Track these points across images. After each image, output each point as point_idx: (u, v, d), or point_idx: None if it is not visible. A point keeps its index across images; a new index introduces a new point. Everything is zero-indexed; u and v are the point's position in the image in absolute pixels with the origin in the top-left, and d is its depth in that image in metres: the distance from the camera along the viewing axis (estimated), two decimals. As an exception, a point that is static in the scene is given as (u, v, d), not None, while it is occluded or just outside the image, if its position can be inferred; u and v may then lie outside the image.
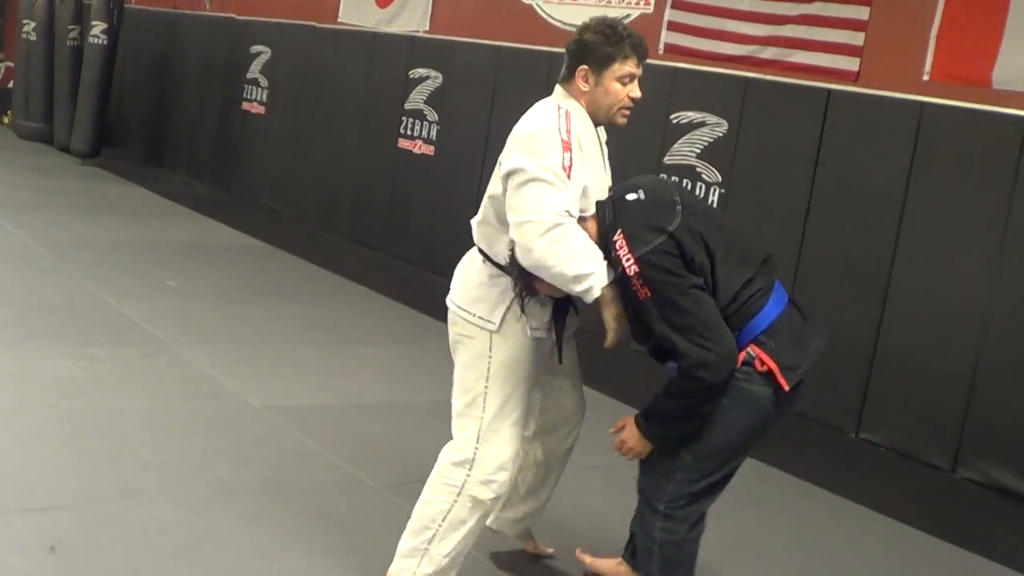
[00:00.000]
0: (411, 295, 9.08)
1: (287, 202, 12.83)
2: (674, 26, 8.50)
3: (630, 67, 3.72)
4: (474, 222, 3.88)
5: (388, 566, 3.91)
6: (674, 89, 8.11)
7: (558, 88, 3.80)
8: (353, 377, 6.72)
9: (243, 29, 13.91)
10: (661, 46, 8.41)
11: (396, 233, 11.08)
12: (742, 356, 3.45)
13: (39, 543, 4.00)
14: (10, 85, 16.51)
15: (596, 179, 3.73)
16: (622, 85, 3.72)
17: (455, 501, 3.78)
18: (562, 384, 4.12)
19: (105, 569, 3.91)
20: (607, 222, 3.51)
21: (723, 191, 7.79)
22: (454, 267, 3.90)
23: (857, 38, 7.38)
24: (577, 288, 3.47)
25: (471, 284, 3.83)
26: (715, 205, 7.71)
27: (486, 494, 3.76)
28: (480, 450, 3.76)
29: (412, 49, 11.08)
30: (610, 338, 3.53)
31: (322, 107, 12.34)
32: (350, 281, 9.52)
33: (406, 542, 3.87)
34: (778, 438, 6.76)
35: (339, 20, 12.39)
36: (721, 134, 7.86)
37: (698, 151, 7.98)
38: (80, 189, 12.51)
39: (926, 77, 6.98)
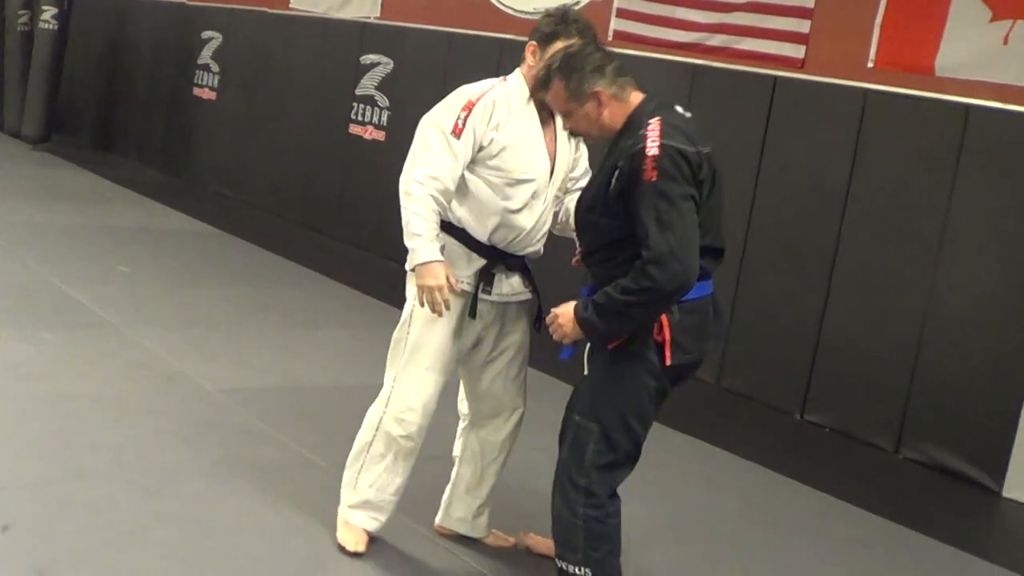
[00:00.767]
0: (361, 279, 9.13)
1: (238, 188, 12.81)
2: (623, 13, 8.57)
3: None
4: None
5: (336, 552, 4.18)
6: (623, 76, 8.12)
7: (516, 69, 4.11)
8: (304, 360, 6.76)
9: (194, 14, 13.85)
10: (611, 33, 8.47)
11: (346, 218, 11.10)
12: None
13: (-8, 523, 4.02)
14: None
15: (531, 143, 4.03)
16: None
17: (375, 435, 4.16)
18: (495, 376, 4.26)
19: (58, 548, 3.93)
20: (648, 110, 3.58)
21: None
22: (404, 252, 4.00)
23: (803, 25, 7.48)
24: (408, 241, 3.90)
25: None
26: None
27: (397, 430, 4.10)
28: (395, 390, 4.12)
29: (363, 35, 11.09)
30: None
31: (273, 93, 12.32)
32: (300, 266, 9.54)
33: (345, 474, 4.29)
34: (725, 419, 6.92)
35: (290, 6, 12.37)
36: (670, 120, 7.89)
37: (647, 137, 8.01)
38: (31, 174, 12.43)
39: (871, 64, 7.09)
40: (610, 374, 3.61)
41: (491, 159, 3.97)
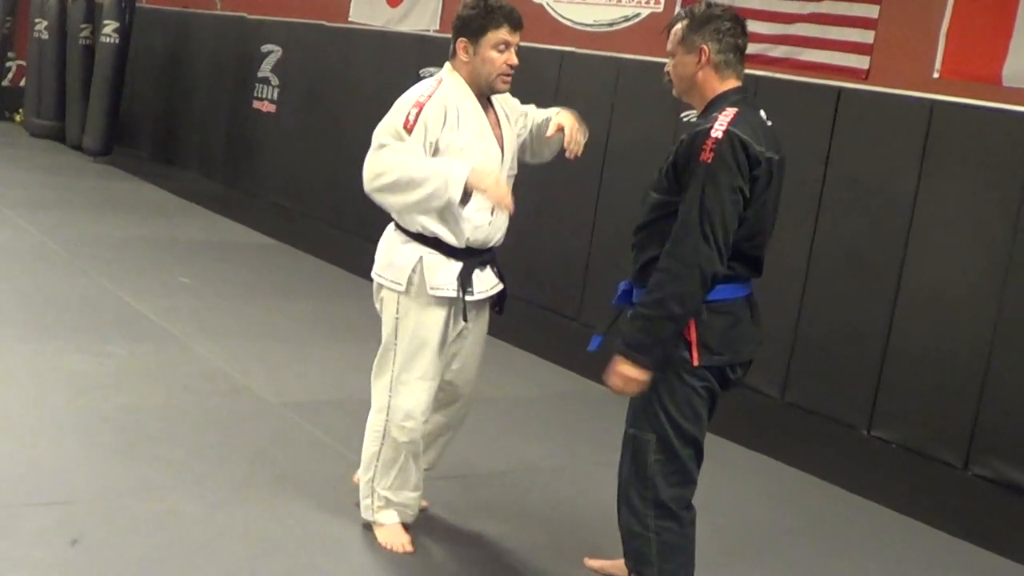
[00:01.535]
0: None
1: (298, 200, 12.86)
2: (685, 24, 8.50)
3: (504, 35, 4.08)
4: None
5: (400, 563, 4.27)
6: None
7: (446, 64, 4.21)
8: (366, 373, 6.72)
9: (254, 28, 13.94)
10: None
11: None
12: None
13: (60, 536, 4.04)
14: (22, 83, 16.54)
15: (484, 136, 4.14)
16: (499, 53, 4.09)
17: (382, 444, 4.28)
18: (460, 369, 4.40)
19: (128, 562, 3.95)
20: (731, 99, 3.63)
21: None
22: None
23: (867, 36, 7.40)
24: (426, 189, 3.91)
25: (384, 251, 4.26)
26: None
27: (401, 436, 4.22)
28: (392, 399, 4.24)
29: (422, 48, 11.10)
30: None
31: (332, 106, 12.37)
32: (360, 278, 9.54)
33: (361, 488, 4.43)
34: (789, 434, 6.85)
35: (350, 19, 12.43)
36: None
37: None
38: (92, 187, 12.54)
39: (936, 75, 6.99)
40: (654, 381, 3.59)
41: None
